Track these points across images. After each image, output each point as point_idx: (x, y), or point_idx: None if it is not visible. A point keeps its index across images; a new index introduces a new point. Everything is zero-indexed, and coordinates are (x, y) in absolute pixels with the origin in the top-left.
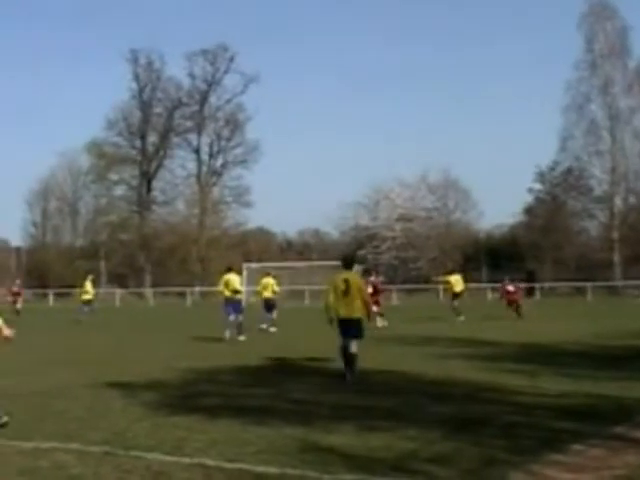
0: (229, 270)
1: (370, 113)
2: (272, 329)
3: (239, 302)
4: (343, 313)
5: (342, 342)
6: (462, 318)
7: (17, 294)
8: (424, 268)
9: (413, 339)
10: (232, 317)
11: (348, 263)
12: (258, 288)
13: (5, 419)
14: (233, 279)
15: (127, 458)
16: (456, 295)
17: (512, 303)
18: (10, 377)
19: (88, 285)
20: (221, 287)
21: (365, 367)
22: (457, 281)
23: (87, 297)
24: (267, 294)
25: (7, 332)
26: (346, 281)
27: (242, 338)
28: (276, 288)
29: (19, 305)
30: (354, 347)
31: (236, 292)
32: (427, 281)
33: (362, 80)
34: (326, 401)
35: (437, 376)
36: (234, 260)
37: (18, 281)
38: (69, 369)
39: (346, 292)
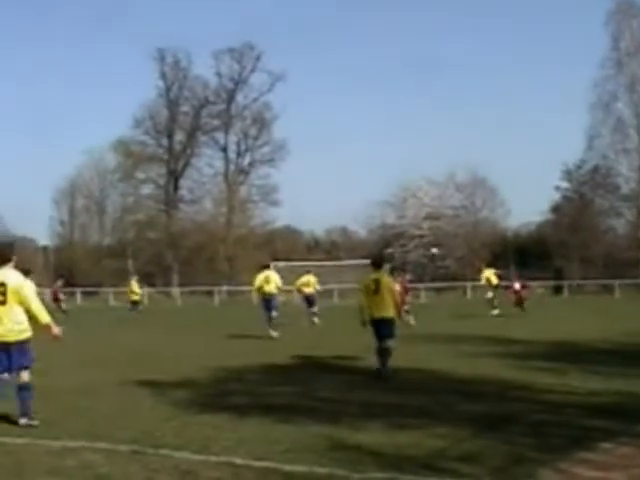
0: (265, 267)
1: (397, 111)
2: (316, 320)
3: (275, 299)
4: (375, 313)
5: (377, 344)
6: (496, 312)
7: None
8: (452, 266)
9: (442, 337)
10: (272, 313)
11: (377, 263)
12: (297, 284)
13: (36, 422)
14: (273, 276)
15: (155, 457)
16: (495, 287)
17: (518, 299)
18: (40, 376)
19: (135, 286)
20: (258, 284)
21: (394, 365)
22: (491, 274)
23: (135, 298)
24: (309, 290)
25: (56, 330)
26: (376, 281)
27: (274, 334)
28: (317, 286)
29: (64, 305)
30: (390, 342)
31: (279, 288)
32: (455, 279)
33: (389, 78)
34: (354, 399)
35: (466, 374)
36: (261, 259)
37: (60, 282)
38: (98, 368)
39: (376, 292)
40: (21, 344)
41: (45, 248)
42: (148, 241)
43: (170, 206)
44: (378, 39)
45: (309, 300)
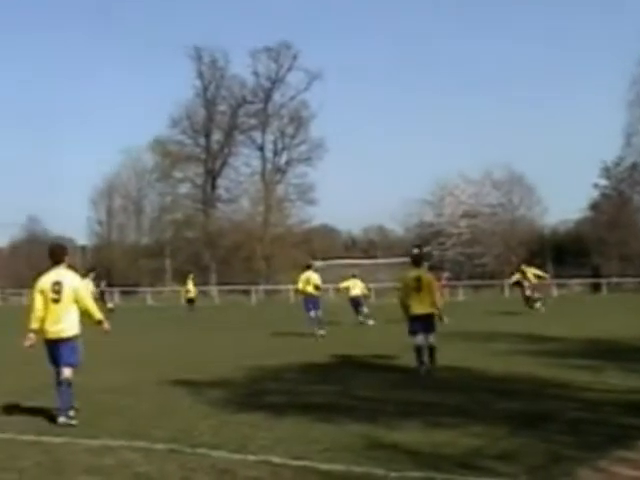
0: (308, 268)
1: (435, 109)
2: (370, 322)
3: (318, 298)
4: (416, 309)
5: (416, 340)
6: (540, 308)
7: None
8: (489, 264)
9: (478, 335)
10: (313, 313)
11: (417, 260)
12: (342, 287)
13: (75, 422)
14: (314, 276)
15: (193, 456)
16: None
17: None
18: (79, 375)
19: (190, 284)
20: (301, 284)
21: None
22: (532, 271)
23: (190, 296)
24: (355, 292)
25: (106, 326)
26: (418, 278)
27: (322, 332)
28: (366, 290)
29: (110, 304)
30: (433, 339)
31: (317, 288)
32: (492, 277)
33: (426, 75)
34: (391, 398)
35: (502, 372)
36: (299, 258)
37: (103, 283)
38: (137, 367)
39: (418, 289)
40: (71, 341)
41: (83, 248)
42: (186, 240)
43: (207, 205)
44: (414, 37)
45: (355, 303)
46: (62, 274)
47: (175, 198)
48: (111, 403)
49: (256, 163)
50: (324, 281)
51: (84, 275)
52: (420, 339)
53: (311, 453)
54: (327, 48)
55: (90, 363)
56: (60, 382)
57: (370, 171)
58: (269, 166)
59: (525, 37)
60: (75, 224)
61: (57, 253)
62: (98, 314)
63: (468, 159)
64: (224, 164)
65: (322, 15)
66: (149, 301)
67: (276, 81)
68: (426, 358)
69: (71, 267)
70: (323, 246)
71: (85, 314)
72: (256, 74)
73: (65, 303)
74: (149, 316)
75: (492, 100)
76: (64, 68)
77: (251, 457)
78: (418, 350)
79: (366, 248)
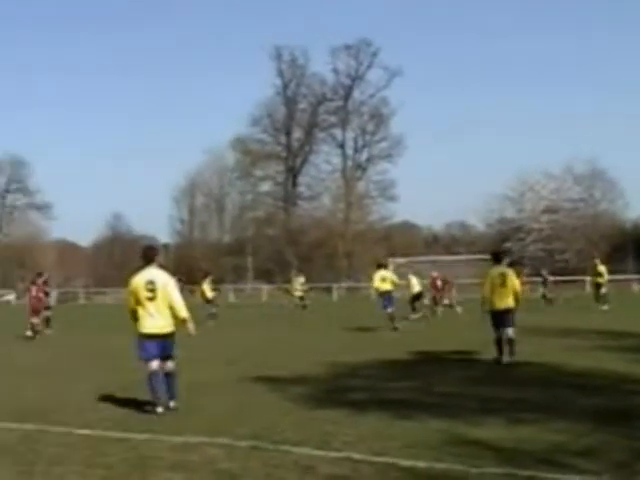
0: (380, 266)
1: (515, 104)
2: (415, 316)
3: (392, 295)
4: (499, 304)
5: (498, 333)
6: (607, 307)
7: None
8: (571, 260)
9: (557, 331)
10: (389, 309)
11: (498, 258)
12: (412, 283)
13: (176, 405)
14: (390, 275)
15: (275, 452)
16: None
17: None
18: None
19: (297, 283)
20: (377, 282)
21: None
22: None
23: (299, 294)
24: (418, 289)
25: (191, 327)
26: (503, 275)
27: (399, 326)
28: (418, 287)
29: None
30: (512, 332)
31: (394, 285)
32: (574, 273)
33: (507, 70)
34: (472, 394)
35: (583, 368)
36: (380, 254)
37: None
38: (218, 364)
39: (503, 284)
40: (170, 337)
41: (166, 246)
42: (267, 238)
43: (289, 203)
44: (496, 32)
45: (414, 298)
46: (154, 273)
47: (256, 196)
48: (193, 401)
49: (336, 160)
50: (404, 278)
51: (202, 279)
52: (501, 332)
53: (392, 449)
54: (408, 43)
55: None
56: (167, 374)
57: (451, 166)
58: (349, 163)
59: (607, 34)
60: (157, 222)
61: (149, 254)
62: (183, 312)
63: (550, 154)
64: (305, 162)
65: (402, 12)
66: (231, 298)
67: (356, 78)
68: (506, 350)
69: (163, 267)
70: (404, 243)
71: (173, 312)
72: (336, 72)
73: (159, 301)
74: (231, 313)
75: (574, 95)
76: (149, 70)
77: (333, 453)
78: (498, 342)
79: (448, 244)
